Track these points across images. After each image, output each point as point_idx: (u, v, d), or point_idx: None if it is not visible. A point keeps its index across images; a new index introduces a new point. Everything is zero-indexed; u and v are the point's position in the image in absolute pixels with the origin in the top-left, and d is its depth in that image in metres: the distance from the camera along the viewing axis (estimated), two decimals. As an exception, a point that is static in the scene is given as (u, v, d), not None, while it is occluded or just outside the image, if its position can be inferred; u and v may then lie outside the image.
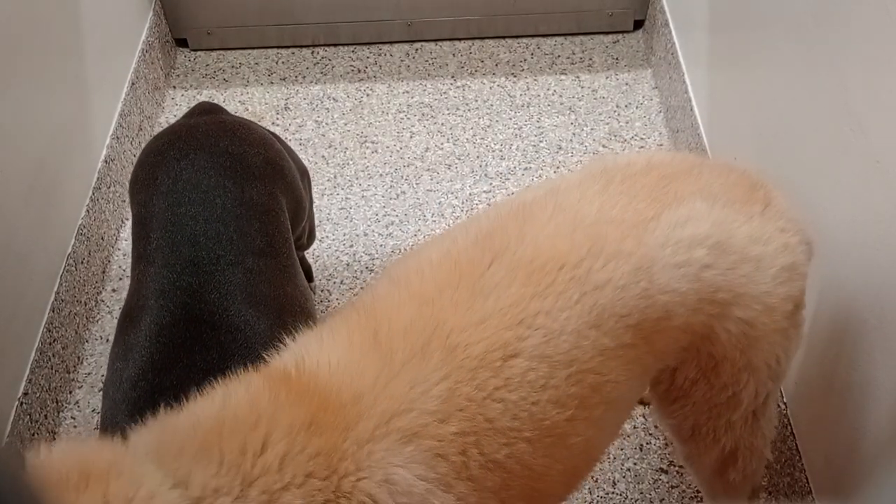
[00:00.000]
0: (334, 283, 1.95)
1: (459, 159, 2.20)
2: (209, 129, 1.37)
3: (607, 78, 2.40)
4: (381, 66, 2.46)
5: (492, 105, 2.34)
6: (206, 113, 1.51)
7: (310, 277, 1.91)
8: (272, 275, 1.24)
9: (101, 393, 1.77)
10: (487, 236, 1.03)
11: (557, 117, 2.30)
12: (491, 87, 2.39)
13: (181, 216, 1.25)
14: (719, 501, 1.36)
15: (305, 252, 1.88)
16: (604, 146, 2.22)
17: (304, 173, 1.59)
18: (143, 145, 1.63)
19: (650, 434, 1.67)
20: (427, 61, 2.47)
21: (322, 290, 1.94)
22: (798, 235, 1.13)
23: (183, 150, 1.33)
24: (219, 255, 1.22)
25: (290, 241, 1.34)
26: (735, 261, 1.07)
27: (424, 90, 2.39)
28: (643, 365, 1.06)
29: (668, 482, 1.61)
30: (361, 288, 1.94)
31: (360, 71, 2.45)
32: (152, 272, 1.22)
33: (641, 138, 2.24)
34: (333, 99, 2.37)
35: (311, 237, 1.76)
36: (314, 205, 2.07)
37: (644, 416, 1.69)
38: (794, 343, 1.18)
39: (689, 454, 1.31)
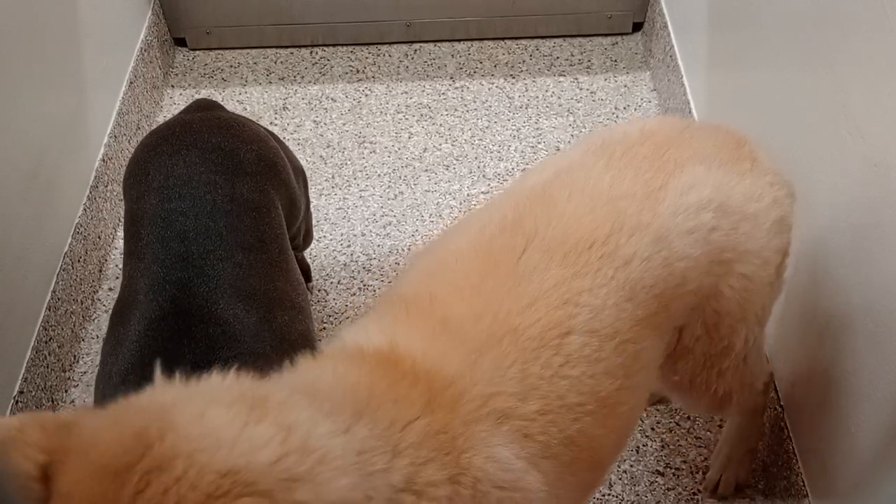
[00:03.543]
0: (332, 283, 1.95)
1: (457, 160, 2.20)
2: (203, 125, 1.38)
3: (606, 80, 2.40)
4: (379, 66, 2.46)
5: (490, 106, 2.34)
6: (203, 109, 1.51)
7: (308, 277, 1.91)
8: (262, 269, 1.24)
9: (97, 392, 1.77)
10: (515, 223, 1.07)
11: (556, 119, 2.30)
12: (489, 89, 2.39)
13: (171, 212, 1.25)
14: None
15: (304, 252, 1.87)
16: (602, 148, 2.22)
17: (301, 173, 1.59)
18: (140, 144, 1.62)
19: (646, 436, 1.67)
20: (426, 62, 2.47)
21: (320, 290, 1.93)
22: (784, 188, 1.20)
23: (176, 146, 1.33)
24: (208, 250, 1.21)
25: (282, 236, 1.33)
26: (736, 220, 1.13)
27: (423, 91, 2.39)
28: (665, 329, 1.13)
29: (664, 484, 1.61)
30: (359, 288, 1.93)
31: (358, 71, 2.45)
32: (142, 268, 1.22)
33: (640, 140, 2.24)
34: (332, 99, 2.37)
35: (308, 237, 1.75)
36: (312, 205, 2.07)
37: (640, 419, 1.69)
38: (778, 291, 1.25)
39: (689, 404, 1.41)
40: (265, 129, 1.52)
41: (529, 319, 0.98)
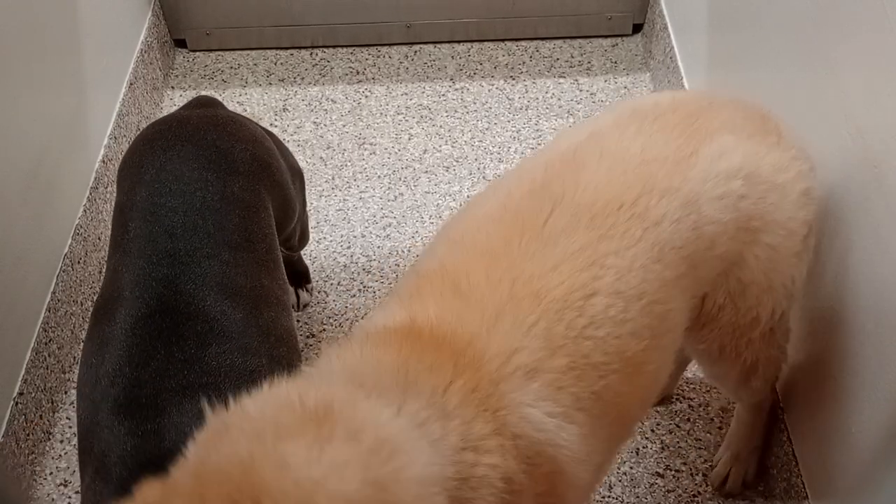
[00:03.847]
0: (331, 284, 1.95)
1: (457, 161, 2.20)
2: (200, 122, 1.38)
3: (606, 81, 2.40)
4: (379, 67, 2.46)
5: (490, 108, 2.34)
6: (203, 106, 1.51)
7: (307, 279, 1.91)
8: (249, 268, 1.24)
9: (96, 393, 1.77)
10: (543, 186, 1.08)
11: (556, 120, 2.30)
12: (489, 90, 2.39)
13: (161, 207, 1.25)
14: (745, 401, 1.51)
15: (302, 253, 1.87)
16: (602, 149, 2.22)
17: (298, 174, 1.59)
18: (140, 145, 1.62)
19: (646, 438, 1.67)
20: (426, 63, 2.47)
21: (319, 292, 1.93)
22: (808, 162, 1.22)
23: (170, 141, 1.33)
24: (195, 247, 1.21)
25: (270, 236, 1.33)
26: (764, 190, 1.15)
27: (423, 92, 2.39)
28: (692, 292, 1.14)
29: (664, 486, 1.61)
30: (359, 290, 1.93)
31: (358, 73, 2.45)
32: (128, 262, 1.21)
33: (640, 142, 2.24)
34: (332, 100, 2.37)
35: (304, 239, 1.75)
36: (311, 206, 2.07)
37: (640, 421, 1.69)
38: (806, 264, 1.26)
39: (717, 373, 1.41)
40: (264, 129, 1.52)
41: (553, 282, 0.99)
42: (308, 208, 2.05)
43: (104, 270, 1.29)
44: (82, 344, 1.25)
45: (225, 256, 1.22)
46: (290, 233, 1.58)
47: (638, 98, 1.30)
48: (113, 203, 2.04)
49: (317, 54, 2.51)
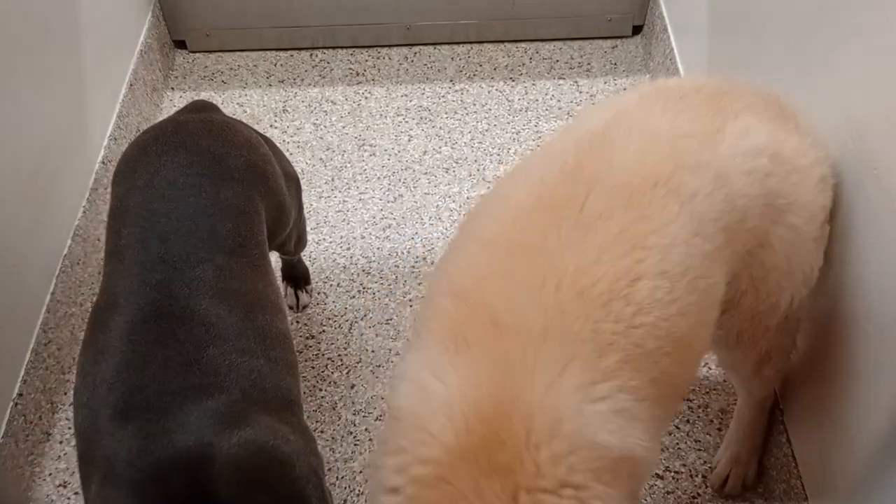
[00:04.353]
0: (331, 285, 1.95)
1: (457, 163, 2.20)
2: (195, 127, 1.38)
3: (605, 83, 2.41)
4: (379, 69, 2.46)
5: (490, 109, 2.34)
6: (199, 111, 1.51)
7: (307, 280, 1.91)
8: (242, 272, 1.24)
9: (96, 394, 1.76)
10: (575, 169, 1.05)
11: (555, 122, 2.30)
12: (489, 91, 2.39)
13: (154, 212, 1.25)
14: (754, 393, 1.51)
15: (302, 255, 1.87)
16: (602, 151, 2.22)
17: (293, 179, 1.58)
18: (140, 146, 1.62)
19: (646, 439, 1.67)
20: (425, 65, 2.47)
21: (319, 293, 1.93)
22: (825, 150, 1.23)
23: (165, 146, 1.33)
24: (189, 251, 1.21)
25: (263, 242, 1.34)
26: (788, 170, 1.15)
27: (423, 94, 2.39)
28: (729, 266, 1.13)
29: (663, 487, 1.61)
30: (359, 291, 1.93)
31: (358, 74, 2.45)
32: (121, 269, 1.21)
33: (639, 143, 2.24)
34: (332, 102, 2.37)
35: (301, 243, 1.75)
36: (311, 207, 2.07)
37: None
38: (822, 253, 1.27)
39: (732, 360, 1.41)
40: (260, 134, 1.52)
41: (596, 274, 0.97)
42: (307, 210, 2.05)
43: (101, 273, 1.29)
44: (78, 354, 1.24)
45: (219, 261, 1.22)
46: (286, 238, 1.57)
47: (661, 80, 1.30)
48: (112, 204, 2.04)
49: (317, 55, 2.51)
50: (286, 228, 1.53)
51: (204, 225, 1.25)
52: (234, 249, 1.26)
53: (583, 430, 0.90)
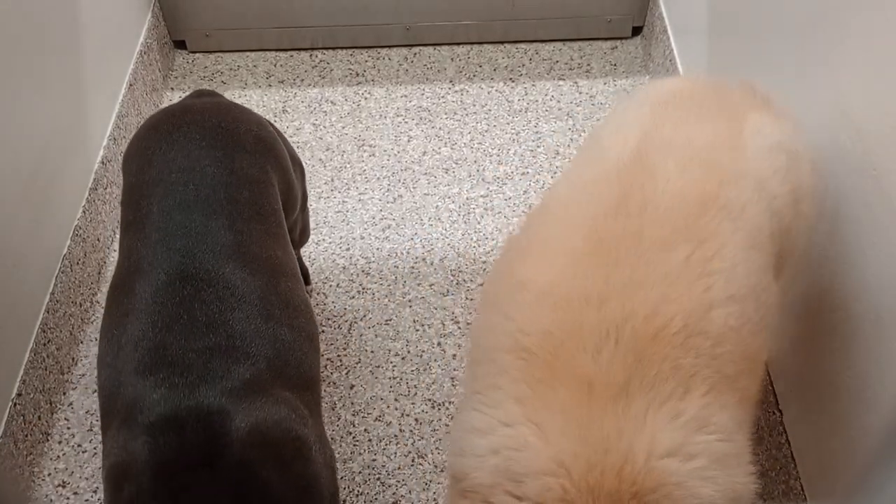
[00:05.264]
0: (330, 286, 1.95)
1: (457, 163, 2.20)
2: (203, 107, 1.39)
3: (605, 84, 2.41)
4: (379, 69, 2.46)
5: (490, 110, 2.34)
6: (204, 96, 1.52)
7: (306, 280, 1.91)
8: (262, 239, 1.25)
9: (95, 394, 1.76)
10: (621, 201, 1.00)
11: (555, 122, 2.30)
12: (489, 92, 2.39)
13: (173, 183, 1.26)
14: None
15: (302, 254, 1.87)
16: (601, 152, 2.22)
17: (298, 164, 1.59)
18: (139, 146, 1.62)
19: (645, 440, 1.67)
20: (425, 65, 2.47)
21: (318, 293, 1.93)
22: (802, 135, 1.24)
23: (176, 123, 1.34)
24: (209, 219, 1.22)
25: (279, 211, 1.34)
26: (796, 160, 1.15)
27: (422, 94, 2.39)
28: (777, 272, 1.11)
29: (662, 488, 1.61)
30: (358, 291, 1.93)
31: (358, 74, 2.45)
32: (143, 237, 1.21)
33: (639, 144, 2.24)
34: (331, 102, 2.37)
35: (305, 234, 1.75)
36: (310, 207, 2.07)
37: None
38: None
39: None
40: (265, 119, 1.53)
41: (668, 312, 0.92)
42: (308, 209, 2.05)
43: (118, 249, 1.29)
44: (101, 319, 1.24)
45: (239, 227, 1.23)
46: (292, 224, 1.58)
47: (648, 89, 1.26)
48: (112, 204, 2.04)
49: (316, 56, 2.51)
50: (294, 211, 1.54)
51: (222, 193, 1.25)
52: (253, 217, 1.26)
53: (688, 492, 0.87)
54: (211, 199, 1.24)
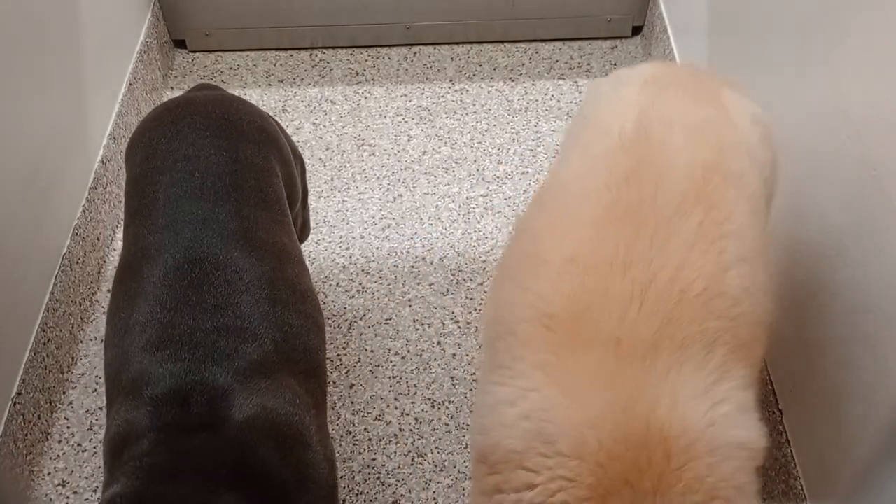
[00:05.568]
0: (330, 285, 1.95)
1: (457, 163, 2.20)
2: (205, 99, 1.40)
3: (605, 83, 2.40)
4: (379, 69, 2.46)
5: (489, 109, 2.34)
6: (206, 90, 1.53)
7: (306, 280, 1.91)
8: (268, 225, 1.26)
9: (95, 394, 1.76)
10: (633, 172, 1.04)
11: (555, 122, 2.30)
12: (489, 92, 2.39)
13: (178, 171, 1.26)
14: None
15: (302, 252, 1.87)
16: (601, 151, 2.22)
17: (299, 158, 1.60)
18: (139, 146, 1.62)
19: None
20: (425, 65, 2.47)
21: (318, 293, 1.93)
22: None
23: (179, 114, 1.35)
24: (216, 204, 1.22)
25: (283, 200, 1.35)
26: (768, 132, 1.20)
27: (422, 94, 2.39)
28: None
29: (662, 488, 1.61)
30: (358, 290, 1.93)
31: (358, 74, 2.45)
32: (149, 223, 1.22)
33: (639, 144, 2.24)
34: (331, 101, 2.37)
35: (306, 230, 1.75)
36: (311, 207, 2.07)
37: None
38: None
39: None
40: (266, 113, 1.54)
41: (690, 275, 0.96)
42: (308, 205, 2.05)
43: (123, 239, 1.29)
44: (108, 302, 1.24)
45: (245, 213, 1.23)
46: (293, 218, 1.58)
47: (623, 74, 1.28)
48: (112, 203, 2.04)
49: (316, 55, 2.51)
50: (295, 205, 1.54)
51: (227, 180, 1.26)
52: (259, 203, 1.27)
53: (719, 437, 0.90)
54: (217, 187, 1.25)
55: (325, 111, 2.35)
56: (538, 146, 2.24)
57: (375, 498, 1.61)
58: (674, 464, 0.87)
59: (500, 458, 0.93)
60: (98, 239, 1.97)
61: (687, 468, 0.88)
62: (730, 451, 0.90)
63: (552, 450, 0.89)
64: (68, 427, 1.72)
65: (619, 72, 1.29)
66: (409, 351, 1.83)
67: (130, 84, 2.19)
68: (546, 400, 0.92)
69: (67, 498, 1.62)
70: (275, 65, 2.48)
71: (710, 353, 0.94)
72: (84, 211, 1.90)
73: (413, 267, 1.98)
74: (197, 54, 2.52)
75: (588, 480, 0.87)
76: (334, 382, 1.78)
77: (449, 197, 2.12)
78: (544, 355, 0.95)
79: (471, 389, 1.76)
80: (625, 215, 1.00)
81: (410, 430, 1.70)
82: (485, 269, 1.97)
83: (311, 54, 2.51)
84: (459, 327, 1.86)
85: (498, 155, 2.22)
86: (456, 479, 1.63)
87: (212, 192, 1.24)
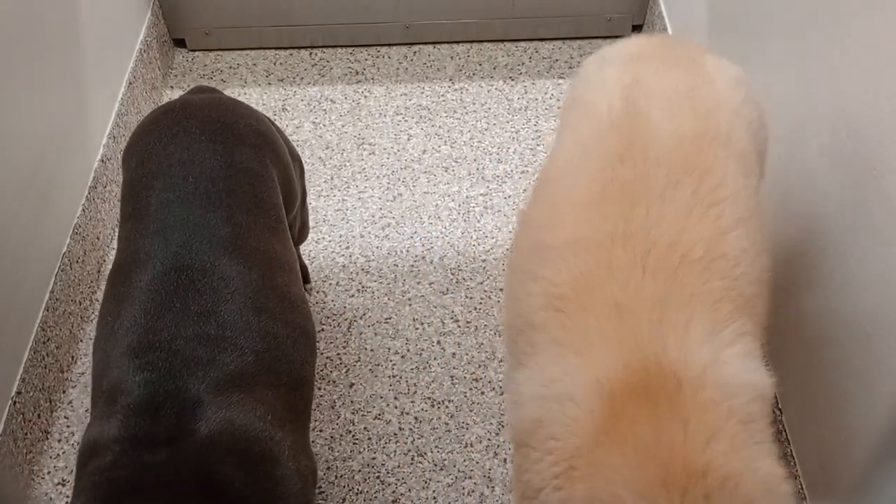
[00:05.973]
0: (330, 284, 1.95)
1: (456, 162, 2.20)
2: (202, 102, 1.40)
3: (605, 82, 2.40)
4: (378, 68, 2.46)
5: (489, 108, 2.34)
6: (203, 92, 1.52)
7: (306, 278, 1.91)
8: (260, 232, 1.25)
9: (94, 393, 1.76)
10: (625, 149, 1.07)
11: (555, 121, 2.30)
12: (489, 91, 2.39)
13: (172, 176, 1.26)
14: None
15: (301, 253, 1.87)
16: (601, 150, 2.22)
17: (297, 160, 1.60)
18: (139, 145, 1.62)
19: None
20: (425, 64, 2.47)
21: (318, 292, 1.93)
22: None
23: (176, 118, 1.35)
24: (209, 211, 1.22)
25: (279, 206, 1.35)
26: (751, 93, 1.22)
27: (422, 93, 2.39)
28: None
29: (662, 487, 1.61)
30: (358, 290, 1.93)
31: (357, 73, 2.45)
32: (141, 228, 1.22)
33: (639, 143, 2.24)
34: (331, 100, 2.37)
35: (304, 230, 1.75)
36: (310, 206, 2.07)
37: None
38: None
39: None
40: (264, 115, 1.53)
41: (690, 239, 0.99)
42: (307, 206, 2.05)
43: (117, 241, 1.30)
44: (98, 307, 1.24)
45: (238, 219, 1.23)
46: (292, 220, 1.58)
47: (606, 52, 1.31)
48: (112, 203, 2.04)
49: (316, 54, 2.51)
50: (294, 207, 1.54)
51: (221, 186, 1.26)
52: (252, 209, 1.27)
53: (727, 375, 0.92)
54: (210, 192, 1.25)
55: (324, 110, 2.35)
56: (538, 145, 2.24)
57: (375, 497, 1.61)
58: (686, 390, 0.89)
59: (545, 434, 0.95)
60: (98, 238, 1.97)
61: (699, 395, 0.90)
62: (738, 389, 0.92)
63: (575, 409, 0.92)
64: (68, 426, 1.72)
65: (603, 50, 1.31)
66: (408, 350, 1.83)
67: (130, 83, 2.19)
68: (562, 365, 0.95)
69: (67, 497, 1.62)
70: (274, 64, 2.48)
71: (716, 309, 0.97)
72: (84, 210, 1.90)
73: (413, 266, 1.98)
74: (197, 53, 2.52)
75: (598, 421, 0.90)
76: (334, 381, 1.78)
77: (449, 196, 2.12)
78: (559, 333, 0.98)
79: (470, 388, 1.76)
80: (621, 192, 1.03)
81: (410, 429, 1.70)
82: (485, 268, 1.97)
83: (310, 53, 2.51)
84: (459, 326, 1.86)
85: (498, 154, 2.22)
86: (456, 478, 1.63)
87: (204, 197, 1.23)
